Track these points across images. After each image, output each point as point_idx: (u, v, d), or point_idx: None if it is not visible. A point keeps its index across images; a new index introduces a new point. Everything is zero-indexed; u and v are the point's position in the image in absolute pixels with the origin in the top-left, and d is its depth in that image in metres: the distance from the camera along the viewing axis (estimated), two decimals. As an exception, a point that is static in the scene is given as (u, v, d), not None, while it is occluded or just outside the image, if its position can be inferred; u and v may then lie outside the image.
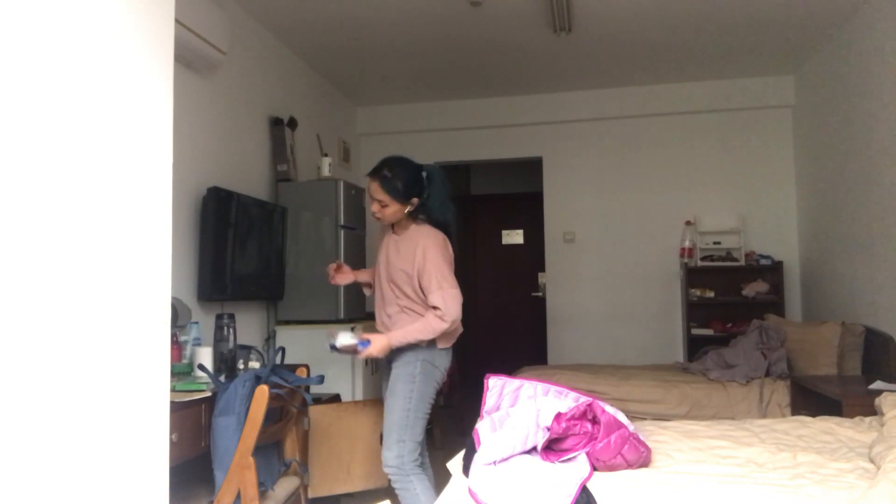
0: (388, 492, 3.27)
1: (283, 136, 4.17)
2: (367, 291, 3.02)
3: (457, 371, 5.29)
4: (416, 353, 2.57)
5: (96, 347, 1.49)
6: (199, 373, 2.57)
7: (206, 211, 3.26)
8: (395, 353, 2.59)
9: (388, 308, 2.68)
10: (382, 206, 2.63)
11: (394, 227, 2.73)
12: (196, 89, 3.36)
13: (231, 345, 2.79)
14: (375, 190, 2.62)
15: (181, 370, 2.66)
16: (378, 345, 2.54)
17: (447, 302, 2.51)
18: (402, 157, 2.72)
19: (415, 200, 2.63)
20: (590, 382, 3.91)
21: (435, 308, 2.52)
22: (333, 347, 2.55)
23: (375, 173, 2.64)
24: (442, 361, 2.63)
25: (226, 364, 2.73)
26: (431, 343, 2.58)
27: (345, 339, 2.54)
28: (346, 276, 2.89)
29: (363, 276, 2.95)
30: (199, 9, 3.09)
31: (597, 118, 5.51)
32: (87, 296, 1.46)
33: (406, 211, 2.64)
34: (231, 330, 2.80)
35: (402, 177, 2.61)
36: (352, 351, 2.55)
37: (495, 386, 2.33)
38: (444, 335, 2.59)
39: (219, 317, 2.85)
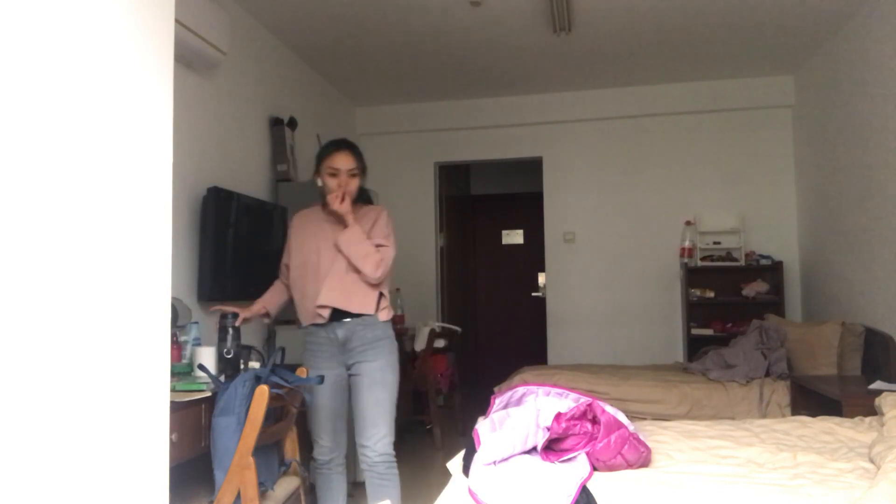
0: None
1: (283, 136, 4.17)
2: (267, 320, 2.94)
3: (456, 372, 5.28)
4: (393, 343, 2.66)
5: (96, 347, 1.49)
6: (199, 373, 2.57)
7: (206, 211, 3.26)
8: (369, 349, 2.59)
9: (350, 286, 2.58)
10: (352, 175, 2.61)
11: (325, 207, 2.66)
12: (196, 89, 3.36)
13: (231, 345, 2.78)
14: (346, 160, 2.60)
15: (181, 370, 2.66)
16: (346, 208, 2.55)
17: (390, 252, 2.60)
18: None
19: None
20: (590, 382, 3.91)
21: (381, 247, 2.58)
22: None
23: (346, 144, 2.65)
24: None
25: (226, 364, 2.73)
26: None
27: None
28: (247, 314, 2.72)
29: (258, 308, 2.80)
30: (199, 9, 3.09)
31: (597, 118, 5.51)
32: (87, 296, 1.46)
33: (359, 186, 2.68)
34: (232, 330, 2.79)
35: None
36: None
37: (500, 402, 2.35)
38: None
39: (220, 317, 2.84)
